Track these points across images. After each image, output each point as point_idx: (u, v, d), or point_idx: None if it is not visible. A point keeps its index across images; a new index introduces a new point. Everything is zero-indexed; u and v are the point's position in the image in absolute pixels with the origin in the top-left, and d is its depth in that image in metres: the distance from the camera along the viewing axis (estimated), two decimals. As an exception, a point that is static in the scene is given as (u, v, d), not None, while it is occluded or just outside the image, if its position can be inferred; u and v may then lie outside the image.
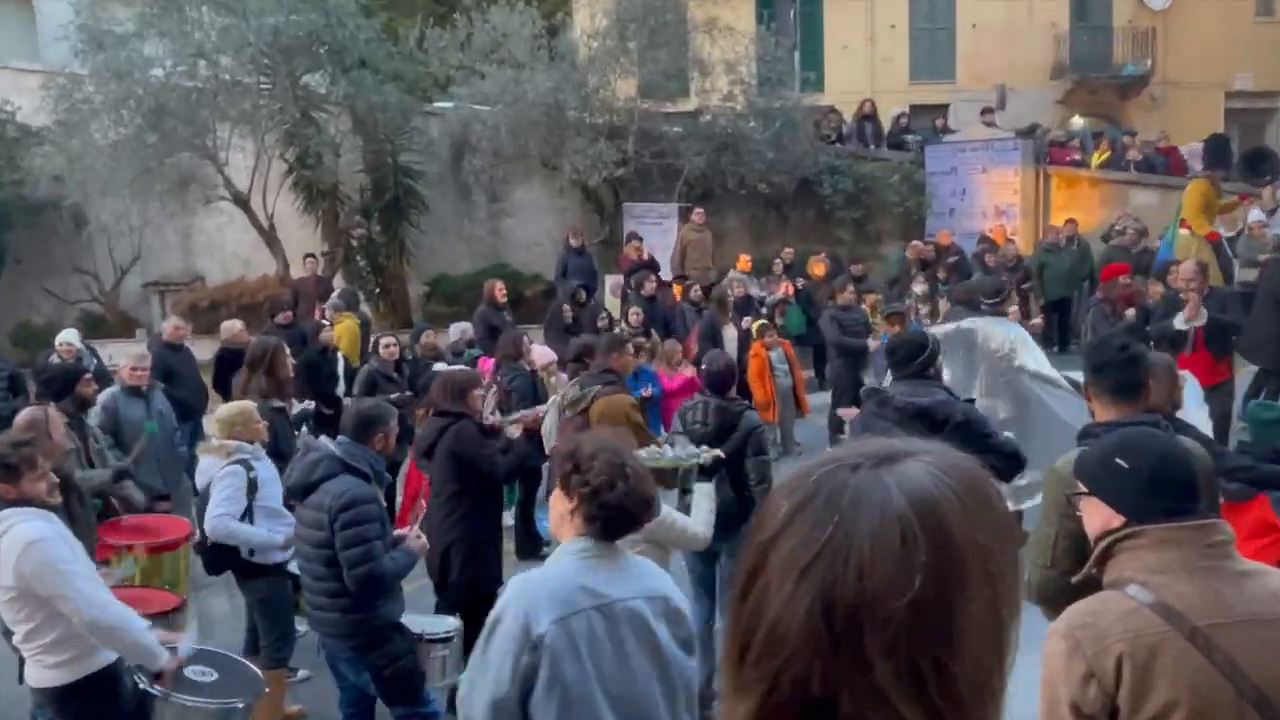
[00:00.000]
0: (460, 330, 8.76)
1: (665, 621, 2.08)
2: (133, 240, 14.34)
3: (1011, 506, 6.15)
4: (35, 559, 2.98)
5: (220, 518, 4.39)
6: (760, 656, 0.77)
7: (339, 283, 12.79)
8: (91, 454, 5.37)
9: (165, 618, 3.96)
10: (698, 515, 3.68)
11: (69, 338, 8.27)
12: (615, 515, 2.17)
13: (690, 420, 4.59)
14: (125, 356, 6.57)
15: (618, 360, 5.44)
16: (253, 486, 4.48)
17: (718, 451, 4.09)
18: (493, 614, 2.09)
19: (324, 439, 3.82)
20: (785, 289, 10.73)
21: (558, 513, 2.23)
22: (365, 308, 11.18)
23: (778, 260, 11.67)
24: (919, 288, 9.69)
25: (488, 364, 7.57)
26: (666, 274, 11.43)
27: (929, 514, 0.76)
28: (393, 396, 6.20)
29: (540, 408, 5.79)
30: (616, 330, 8.80)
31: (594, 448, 2.21)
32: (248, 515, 4.47)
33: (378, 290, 13.62)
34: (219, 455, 4.55)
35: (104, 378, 7.01)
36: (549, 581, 2.10)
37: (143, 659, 3.15)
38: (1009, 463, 3.82)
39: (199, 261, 15.09)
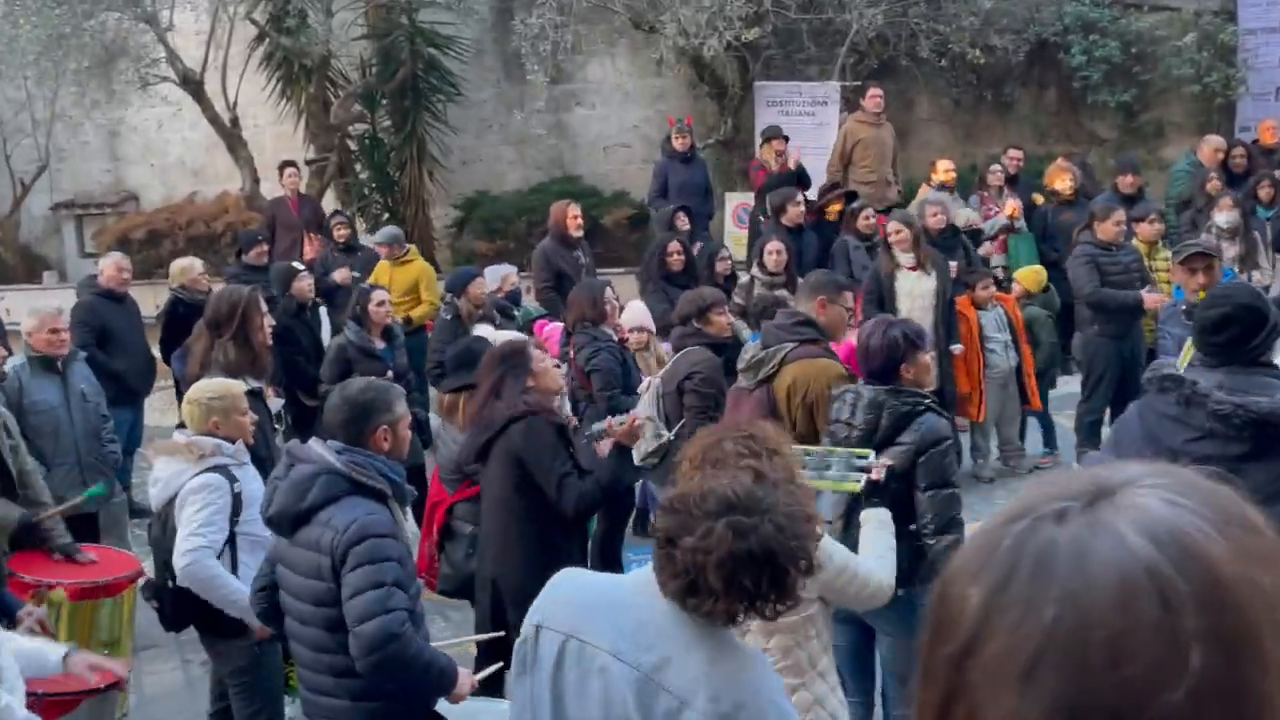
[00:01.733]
0: (500, 276, 8.65)
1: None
2: (37, 142, 14.65)
3: None
4: None
5: (198, 552, 4.47)
6: None
7: (332, 205, 12.94)
8: (4, 454, 5.52)
9: (97, 697, 4.02)
10: (872, 554, 3.78)
11: None
12: (673, 568, 2.43)
13: (835, 420, 4.66)
14: (29, 312, 6.70)
15: (828, 310, 5.44)
16: (236, 506, 4.59)
17: (887, 461, 4.23)
18: None
19: (314, 444, 3.89)
20: (1011, 212, 10.56)
21: None
22: (365, 240, 11.37)
23: (996, 168, 11.41)
24: (1224, 218, 9.16)
25: (549, 330, 7.69)
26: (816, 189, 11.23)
27: (1189, 558, 0.79)
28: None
29: (637, 410, 5.83)
30: (747, 278, 8.80)
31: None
32: (229, 547, 4.60)
33: (386, 215, 13.78)
34: (188, 459, 4.62)
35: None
36: (572, 588, 2.61)
37: None
38: None
39: (131, 173, 15.48)
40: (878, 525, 3.94)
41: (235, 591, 4.50)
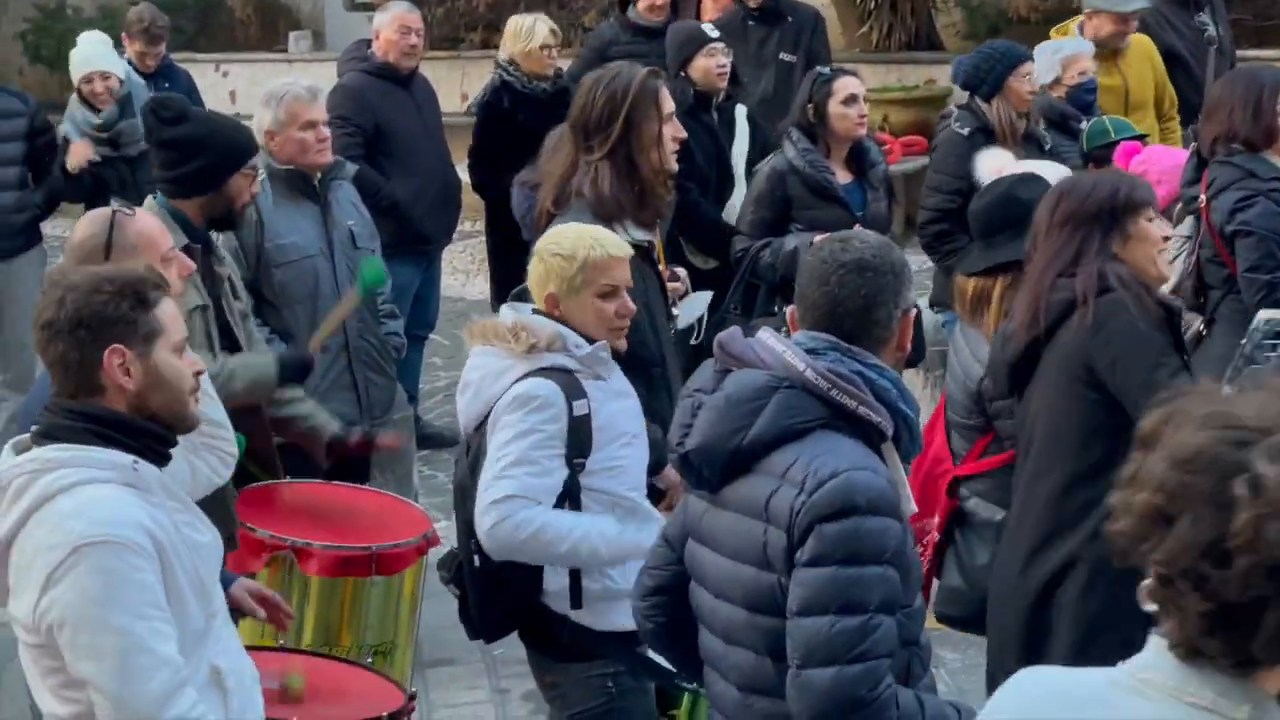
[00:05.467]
0: (1059, 60, 6.71)
1: None
2: None
3: None
4: (88, 584, 2.77)
5: (507, 504, 3.92)
6: None
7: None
8: (233, 324, 4.70)
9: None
10: None
11: (94, 56, 7.16)
12: None
13: None
14: (266, 98, 5.26)
15: None
16: (580, 439, 3.99)
17: None
18: None
19: (766, 336, 3.29)
20: None
21: None
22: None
23: None
24: None
25: (1145, 159, 6.12)
26: None
27: None
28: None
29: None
30: None
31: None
32: (567, 505, 4.06)
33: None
34: (515, 351, 4.00)
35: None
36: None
37: None
38: None
39: None
40: None
41: (582, 536, 3.83)
